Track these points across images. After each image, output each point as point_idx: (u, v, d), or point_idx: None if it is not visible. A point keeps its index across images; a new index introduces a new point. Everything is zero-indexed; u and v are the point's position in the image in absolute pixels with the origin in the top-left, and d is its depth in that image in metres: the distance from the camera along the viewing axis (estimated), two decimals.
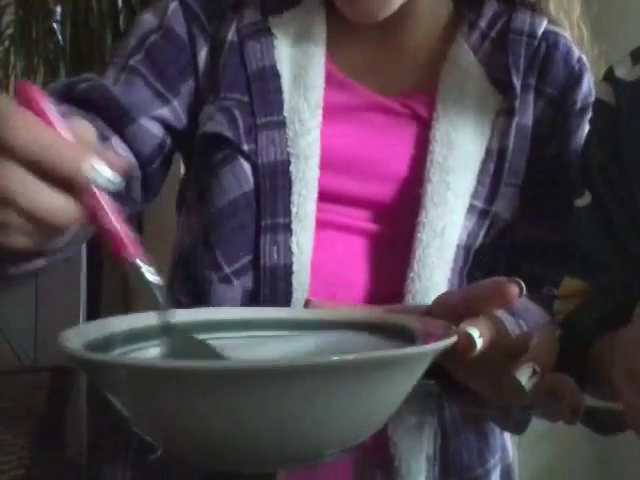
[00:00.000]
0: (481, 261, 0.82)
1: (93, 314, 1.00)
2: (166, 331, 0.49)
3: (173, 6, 0.86)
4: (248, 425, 0.40)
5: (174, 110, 0.84)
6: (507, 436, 0.61)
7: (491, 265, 0.82)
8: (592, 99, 0.86)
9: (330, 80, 0.83)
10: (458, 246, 0.80)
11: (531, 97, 0.85)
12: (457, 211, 0.81)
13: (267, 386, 0.38)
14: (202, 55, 0.85)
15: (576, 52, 0.89)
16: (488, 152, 0.82)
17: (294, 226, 0.78)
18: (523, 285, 0.55)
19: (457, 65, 0.85)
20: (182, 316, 0.53)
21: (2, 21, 2.27)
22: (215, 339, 0.55)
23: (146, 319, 0.53)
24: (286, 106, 0.81)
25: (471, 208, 0.82)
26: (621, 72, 0.79)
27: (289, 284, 0.77)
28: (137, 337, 0.52)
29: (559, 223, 0.85)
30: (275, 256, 0.77)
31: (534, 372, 0.52)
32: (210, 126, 0.81)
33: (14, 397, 0.65)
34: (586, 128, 0.86)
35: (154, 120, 0.82)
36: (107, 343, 0.50)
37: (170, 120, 0.84)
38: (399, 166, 0.82)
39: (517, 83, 0.84)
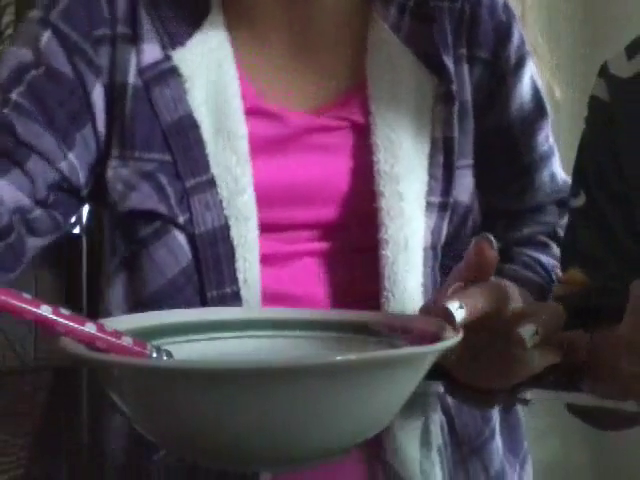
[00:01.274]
0: (450, 250, 0.80)
1: (94, 315, 1.00)
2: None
3: (46, 36, 0.73)
4: (250, 426, 0.39)
5: (70, 165, 0.73)
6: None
7: (461, 250, 0.80)
8: (526, 48, 0.82)
9: (253, 111, 0.76)
10: (425, 249, 0.78)
11: (465, 69, 0.80)
12: (416, 216, 0.77)
13: (268, 386, 0.38)
14: (96, 95, 0.74)
15: (500, 1, 0.82)
16: (433, 142, 0.78)
17: (243, 293, 0.72)
18: (491, 238, 0.57)
19: (381, 53, 0.78)
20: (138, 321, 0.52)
21: (2, 21, 2.27)
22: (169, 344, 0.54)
23: (150, 319, 0.54)
24: (212, 161, 0.73)
25: (429, 206, 0.78)
26: (616, 68, 0.77)
27: None
28: (142, 337, 0.52)
29: (518, 190, 0.84)
30: None
31: (536, 332, 0.54)
32: (137, 201, 0.73)
33: (14, 397, 0.65)
34: (526, 81, 0.82)
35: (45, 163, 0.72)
36: None
37: (67, 174, 0.73)
38: (344, 184, 0.78)
39: (449, 62, 0.78)
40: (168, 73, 0.74)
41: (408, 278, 0.76)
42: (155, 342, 0.50)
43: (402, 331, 0.52)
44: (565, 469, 0.50)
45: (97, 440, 0.57)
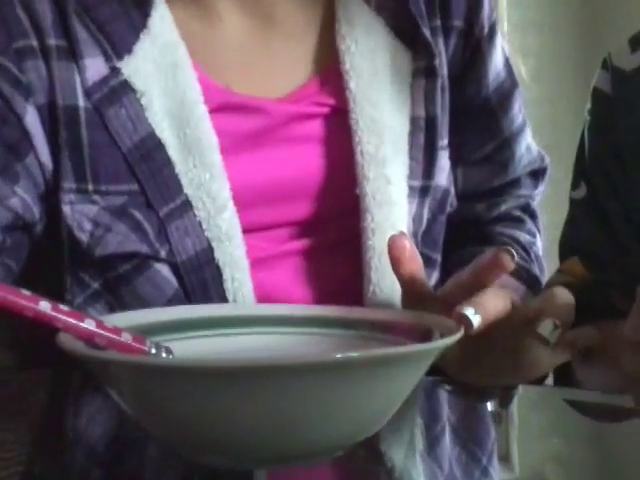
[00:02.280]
0: (428, 238, 0.76)
1: None
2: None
3: None
4: (248, 423, 0.39)
5: (22, 200, 0.65)
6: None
7: (437, 237, 0.77)
8: (495, 16, 0.79)
9: (222, 108, 0.69)
10: None
11: (441, 41, 0.75)
12: (401, 202, 0.72)
13: (265, 384, 0.38)
14: (30, 119, 0.65)
15: None
16: (413, 121, 0.73)
17: None
18: (514, 252, 0.55)
19: (352, 26, 0.72)
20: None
21: None
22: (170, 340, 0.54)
23: (151, 315, 0.54)
24: (184, 181, 0.66)
25: (411, 190, 0.73)
26: (619, 61, 0.75)
27: None
28: (143, 333, 0.52)
29: (501, 164, 0.81)
30: None
31: (555, 326, 0.53)
32: (115, 244, 0.66)
33: (14, 395, 0.65)
34: (498, 49, 0.79)
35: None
36: None
37: (20, 212, 0.65)
38: (326, 174, 0.72)
39: (427, 35, 0.73)
40: (120, 90, 0.66)
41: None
42: (156, 338, 0.50)
43: (400, 329, 0.52)
44: (563, 467, 0.50)
45: (96, 438, 0.57)
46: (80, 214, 0.66)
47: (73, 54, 0.66)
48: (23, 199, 0.65)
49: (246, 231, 0.69)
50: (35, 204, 0.67)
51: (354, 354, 0.40)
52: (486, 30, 0.77)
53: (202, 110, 0.67)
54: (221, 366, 0.39)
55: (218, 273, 0.67)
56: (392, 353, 0.42)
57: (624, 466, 0.51)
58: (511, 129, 0.81)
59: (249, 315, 0.57)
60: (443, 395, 0.66)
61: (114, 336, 0.45)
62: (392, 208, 0.71)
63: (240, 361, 0.40)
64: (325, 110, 0.72)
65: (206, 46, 0.71)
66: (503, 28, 1.98)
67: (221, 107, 0.69)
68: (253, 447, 0.41)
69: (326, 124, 0.72)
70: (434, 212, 0.76)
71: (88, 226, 0.66)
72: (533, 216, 0.85)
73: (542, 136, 0.89)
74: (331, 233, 0.73)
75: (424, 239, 0.75)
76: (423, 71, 0.74)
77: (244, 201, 0.69)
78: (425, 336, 0.49)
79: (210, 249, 0.67)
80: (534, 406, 0.67)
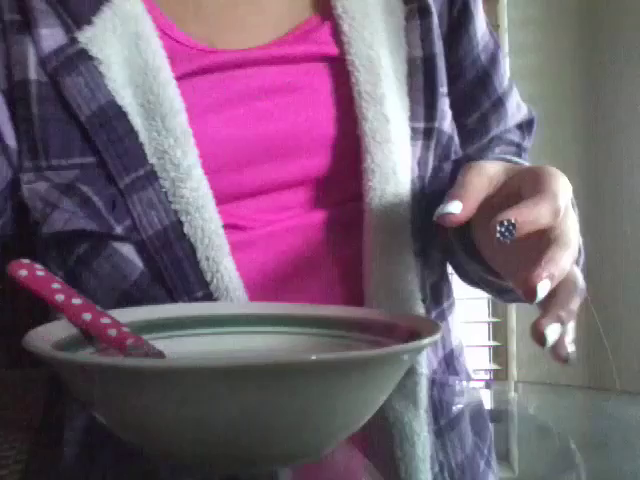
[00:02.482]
0: (436, 185, 0.73)
1: None
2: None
3: None
4: (223, 425, 0.39)
5: None
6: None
7: (442, 187, 0.72)
8: None
9: (201, 69, 0.67)
10: (413, 181, 0.70)
11: None
12: (403, 142, 0.70)
13: (240, 385, 0.37)
14: None
15: None
16: (411, 63, 0.72)
17: (217, 296, 0.63)
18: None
19: None
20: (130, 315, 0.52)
21: None
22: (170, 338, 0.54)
23: (145, 313, 0.54)
24: (148, 149, 0.63)
25: (414, 133, 0.71)
26: None
27: None
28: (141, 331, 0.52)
29: (497, 120, 0.81)
30: None
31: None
32: (61, 222, 0.63)
33: (14, 392, 0.65)
34: (481, 11, 0.79)
35: None
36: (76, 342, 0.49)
37: None
38: (328, 128, 0.69)
39: None
40: (77, 58, 0.63)
41: (398, 211, 0.68)
42: (148, 336, 0.50)
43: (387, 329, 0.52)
44: (561, 466, 0.50)
45: (96, 436, 0.57)
46: (34, 193, 0.64)
47: (28, 25, 0.63)
48: None
49: (224, 201, 0.65)
50: None
51: (330, 355, 0.40)
52: None
53: (167, 76, 0.64)
54: (177, 366, 0.38)
55: (191, 251, 0.63)
56: (369, 355, 0.42)
57: (624, 466, 0.51)
58: (503, 87, 0.81)
59: (239, 314, 0.56)
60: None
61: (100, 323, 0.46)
62: (393, 148, 0.68)
63: (204, 361, 0.40)
64: (318, 56, 0.70)
65: (189, 9, 0.69)
66: (503, 25, 1.98)
67: (203, 69, 0.67)
68: (227, 451, 0.40)
69: (320, 70, 0.70)
70: (440, 158, 0.74)
71: (39, 205, 0.64)
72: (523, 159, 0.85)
73: (541, 133, 0.89)
74: (331, 192, 0.71)
75: (431, 184, 0.73)
76: (416, 12, 0.73)
77: (221, 166, 0.65)
78: (406, 336, 0.49)
79: (179, 223, 0.62)
80: (534, 406, 0.67)
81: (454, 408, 0.60)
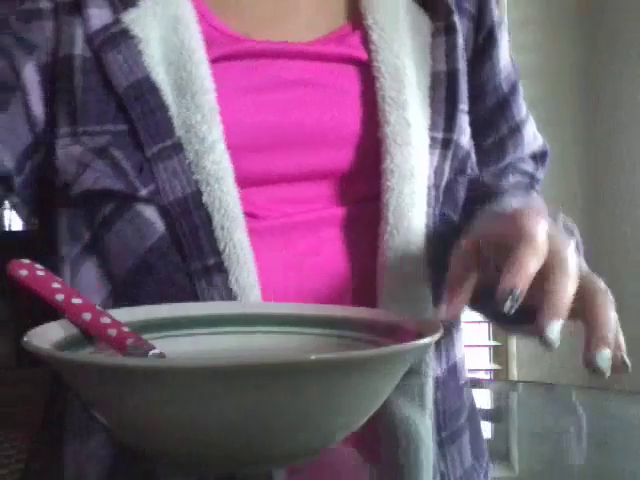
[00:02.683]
0: (450, 198, 0.77)
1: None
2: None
3: None
4: (219, 425, 0.39)
5: None
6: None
7: (460, 199, 0.78)
8: (499, 13, 0.83)
9: (233, 54, 0.71)
10: (429, 187, 0.73)
11: (456, 14, 0.79)
12: (422, 148, 0.73)
13: (236, 385, 0.37)
14: (28, 73, 0.68)
15: None
16: (434, 76, 0.76)
17: (227, 264, 0.66)
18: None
19: None
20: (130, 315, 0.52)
21: None
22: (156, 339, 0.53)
23: (144, 313, 0.54)
24: (176, 123, 0.67)
25: (433, 142, 0.74)
26: None
27: None
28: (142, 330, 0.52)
29: (513, 147, 0.83)
30: (217, 299, 0.66)
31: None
32: (90, 180, 0.67)
33: (15, 392, 0.65)
34: (506, 40, 0.83)
35: None
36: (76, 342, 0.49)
37: None
38: (351, 128, 0.72)
39: None
40: (119, 36, 0.68)
41: (413, 213, 0.71)
42: (147, 336, 0.50)
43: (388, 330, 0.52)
44: (561, 469, 0.50)
45: (96, 435, 0.57)
46: (69, 156, 0.68)
47: (78, 6, 0.69)
48: None
49: (243, 185, 0.68)
50: (7, 154, 0.68)
51: (329, 355, 0.40)
52: (495, 19, 0.82)
53: (201, 57, 0.69)
54: (165, 366, 0.38)
55: (208, 219, 0.66)
56: (368, 355, 0.42)
57: (624, 466, 0.51)
58: (521, 115, 0.85)
59: (238, 314, 0.57)
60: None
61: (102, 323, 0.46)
62: (412, 151, 0.72)
63: (204, 360, 0.39)
64: (348, 58, 0.74)
65: (230, 1, 0.75)
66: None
67: (236, 54, 0.71)
68: (226, 450, 0.40)
69: (349, 72, 0.74)
70: (455, 171, 0.77)
71: (72, 166, 0.68)
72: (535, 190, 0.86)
73: (542, 133, 0.89)
74: (351, 189, 0.73)
75: (445, 195, 0.76)
76: (442, 29, 0.77)
77: (243, 147, 0.69)
78: (407, 337, 0.48)
79: (199, 193, 0.66)
80: (534, 406, 0.67)
81: (457, 421, 0.60)
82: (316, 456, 0.44)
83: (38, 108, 0.69)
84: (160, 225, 0.67)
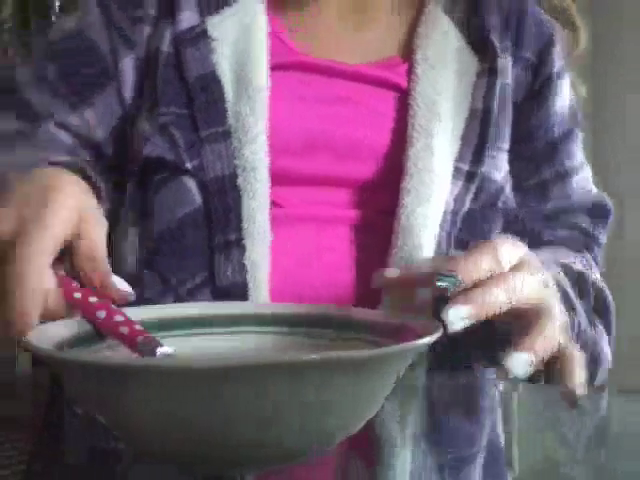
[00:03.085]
0: (472, 226, 0.79)
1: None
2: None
3: (93, 12, 0.82)
4: (214, 425, 0.39)
5: (84, 121, 0.79)
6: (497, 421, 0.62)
7: (486, 229, 0.80)
8: (563, 62, 0.86)
9: (292, 65, 0.80)
10: (445, 212, 0.77)
11: (510, 60, 0.83)
12: (443, 176, 0.77)
13: (230, 385, 0.37)
14: (126, 63, 0.81)
15: (544, 14, 0.88)
16: (472, 112, 0.80)
17: (246, 242, 0.73)
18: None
19: (433, 28, 0.82)
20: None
21: (1, 16, 2.27)
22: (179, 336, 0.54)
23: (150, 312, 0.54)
24: (230, 113, 0.77)
25: (457, 172, 0.79)
26: None
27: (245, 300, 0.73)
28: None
29: (548, 194, 0.84)
30: (229, 274, 0.72)
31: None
32: (148, 150, 0.76)
33: (15, 393, 0.65)
34: (566, 89, 0.85)
35: (60, 127, 0.79)
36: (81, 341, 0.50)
37: (81, 130, 0.79)
38: (379, 148, 0.79)
39: (496, 41, 0.82)
40: (200, 36, 0.79)
41: (424, 233, 0.75)
42: (157, 335, 0.51)
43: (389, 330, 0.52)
44: (561, 467, 0.51)
45: (97, 435, 0.57)
46: (139, 131, 0.78)
47: (172, 10, 0.80)
48: (87, 121, 0.79)
49: (274, 183, 0.75)
50: (101, 127, 0.80)
51: (328, 355, 0.40)
52: (556, 69, 0.85)
53: (261, 61, 0.78)
54: (183, 367, 0.39)
55: (239, 200, 0.74)
56: (367, 355, 0.42)
57: (624, 466, 0.51)
58: (572, 163, 0.86)
59: (238, 314, 0.57)
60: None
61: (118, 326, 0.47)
62: (433, 177, 0.76)
63: (193, 362, 0.40)
64: (388, 83, 0.81)
65: (300, 19, 0.83)
66: None
67: (293, 65, 0.80)
68: (224, 451, 0.40)
69: (385, 97, 0.80)
70: (483, 203, 0.80)
71: (139, 140, 0.78)
72: (590, 249, 0.87)
73: None
74: (372, 200, 0.79)
75: (464, 222, 0.79)
76: (487, 71, 0.81)
77: (281, 145, 0.76)
78: (407, 337, 0.48)
79: (235, 176, 0.74)
80: (534, 406, 0.67)
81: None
82: (314, 458, 0.44)
83: (128, 93, 0.80)
84: (198, 198, 0.75)
